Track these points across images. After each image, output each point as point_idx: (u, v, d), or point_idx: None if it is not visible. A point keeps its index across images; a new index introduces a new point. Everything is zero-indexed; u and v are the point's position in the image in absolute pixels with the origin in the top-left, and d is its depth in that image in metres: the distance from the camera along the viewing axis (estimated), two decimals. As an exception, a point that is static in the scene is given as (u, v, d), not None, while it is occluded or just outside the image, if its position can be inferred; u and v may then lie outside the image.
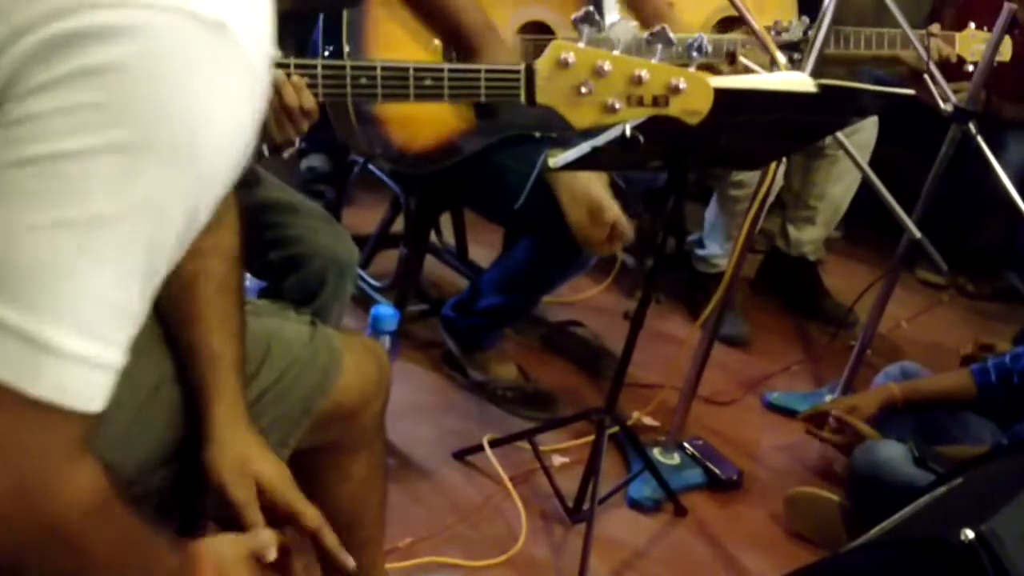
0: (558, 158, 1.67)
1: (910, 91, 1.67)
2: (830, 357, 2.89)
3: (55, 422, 0.67)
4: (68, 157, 0.65)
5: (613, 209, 1.90)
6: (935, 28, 2.69)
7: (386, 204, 2.58)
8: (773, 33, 2.31)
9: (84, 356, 0.67)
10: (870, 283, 2.54)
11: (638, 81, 1.41)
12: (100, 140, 0.65)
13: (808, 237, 3.08)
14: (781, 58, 1.78)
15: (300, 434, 1.22)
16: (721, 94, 1.42)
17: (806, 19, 2.55)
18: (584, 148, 1.60)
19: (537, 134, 2.10)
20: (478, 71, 1.47)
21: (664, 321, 2.89)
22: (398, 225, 2.49)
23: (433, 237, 2.68)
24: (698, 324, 2.25)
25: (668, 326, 2.87)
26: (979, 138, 2.31)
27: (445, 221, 2.74)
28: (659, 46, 1.42)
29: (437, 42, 2.03)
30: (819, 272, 3.19)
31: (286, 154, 1.50)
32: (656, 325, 2.81)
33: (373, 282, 2.55)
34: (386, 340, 1.97)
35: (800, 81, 1.52)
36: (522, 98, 1.45)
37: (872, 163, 2.98)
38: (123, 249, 0.68)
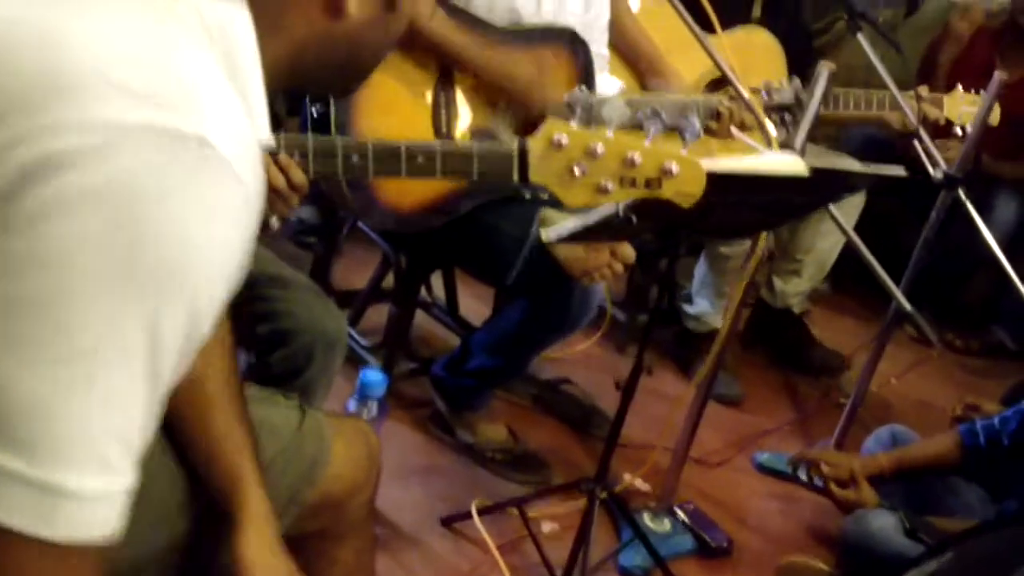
0: (550, 231, 1.66)
1: (901, 171, 1.67)
2: (820, 414, 2.89)
3: (76, 556, 0.67)
4: (51, 295, 0.63)
5: None
6: (923, 90, 2.71)
7: (377, 257, 2.57)
8: (764, 95, 2.31)
9: (97, 492, 0.66)
10: (859, 346, 2.55)
11: (631, 163, 1.40)
12: (80, 275, 0.63)
13: (793, 289, 3.09)
14: (770, 127, 1.78)
15: (287, 523, 1.20)
16: (713, 176, 1.43)
17: (797, 81, 2.57)
18: (577, 225, 1.60)
19: (528, 195, 2.10)
20: (470, 150, 1.47)
21: (654, 378, 2.86)
22: (389, 279, 2.48)
23: (423, 292, 2.67)
24: (693, 384, 2.25)
25: (659, 384, 2.85)
26: (968, 204, 2.33)
27: (435, 275, 2.73)
28: (652, 128, 1.42)
29: (429, 95, 2.03)
30: (807, 323, 3.19)
31: (276, 225, 1.49)
32: (647, 382, 2.78)
33: (362, 341, 2.54)
34: (374, 406, 1.96)
35: (792, 163, 1.52)
36: (515, 178, 1.45)
37: (863, 215, 3.01)
38: (120, 379, 0.66)
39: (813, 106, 1.90)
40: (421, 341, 2.74)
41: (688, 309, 2.96)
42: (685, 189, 1.42)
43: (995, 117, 2.74)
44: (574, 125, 1.41)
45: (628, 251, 1.85)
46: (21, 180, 0.62)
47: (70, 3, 0.67)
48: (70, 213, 0.62)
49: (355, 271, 2.82)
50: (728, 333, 2.08)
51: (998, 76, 2.28)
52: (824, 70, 1.86)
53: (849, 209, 2.91)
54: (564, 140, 1.41)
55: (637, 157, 1.41)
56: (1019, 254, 3.29)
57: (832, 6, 2.74)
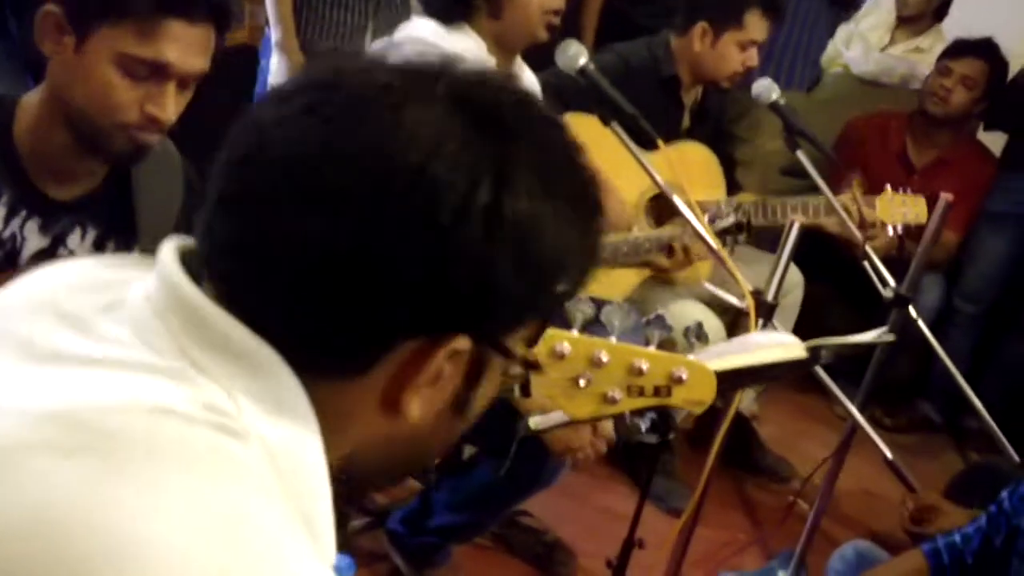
0: (538, 419, 1.59)
1: (891, 337, 1.66)
2: (775, 520, 2.86)
3: None
4: None
5: None
6: (857, 194, 2.74)
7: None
8: (707, 220, 2.29)
9: None
10: (818, 463, 2.54)
11: (638, 372, 1.34)
12: None
13: (744, 392, 3.07)
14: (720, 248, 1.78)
15: None
16: (722, 375, 1.37)
17: (733, 201, 2.57)
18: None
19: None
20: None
21: (606, 494, 2.81)
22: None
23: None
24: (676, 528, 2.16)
25: (611, 499, 2.80)
26: (920, 322, 2.34)
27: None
28: (656, 332, 1.36)
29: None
30: (755, 427, 3.18)
31: None
32: (599, 498, 2.74)
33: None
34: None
35: (792, 347, 1.48)
36: (516, 392, 1.36)
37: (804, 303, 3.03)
38: None
39: (784, 259, 1.88)
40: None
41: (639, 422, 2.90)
42: (695, 396, 1.36)
43: (922, 215, 2.81)
44: (575, 332, 1.34)
45: (609, 429, 1.79)
46: None
47: (126, 476, 0.59)
48: None
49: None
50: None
51: (943, 198, 2.31)
52: (795, 225, 1.84)
53: (790, 310, 2.92)
54: (566, 349, 1.34)
55: (644, 364, 1.34)
56: (943, 330, 3.41)
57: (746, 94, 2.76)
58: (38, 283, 0.75)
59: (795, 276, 2.95)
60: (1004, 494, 2.22)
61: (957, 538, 2.28)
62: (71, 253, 1.39)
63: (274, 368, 0.66)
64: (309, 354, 0.67)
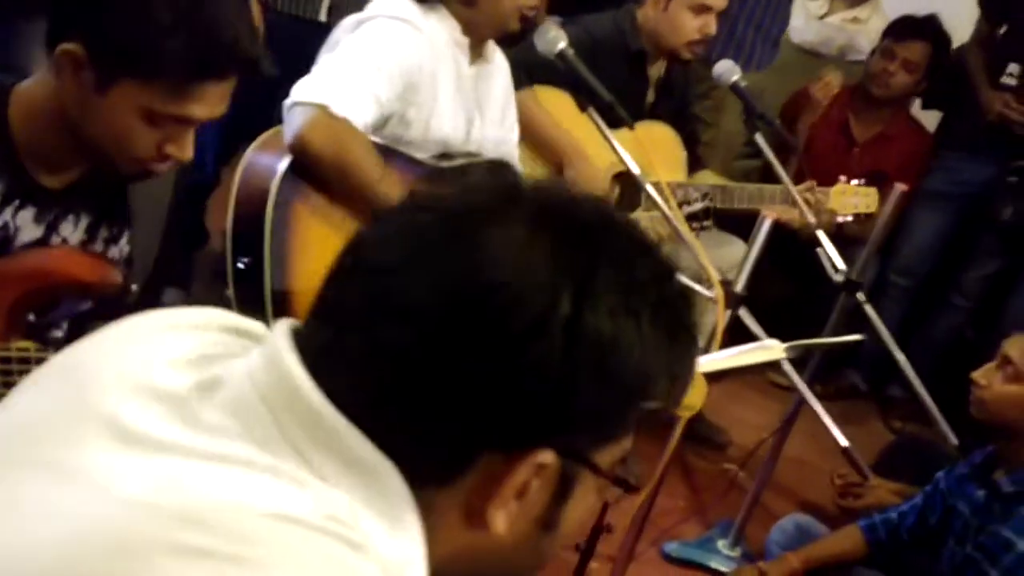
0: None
1: (858, 337, 1.72)
2: (713, 489, 2.96)
3: None
4: None
5: None
6: (812, 184, 2.80)
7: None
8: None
9: None
10: (756, 433, 2.62)
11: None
12: None
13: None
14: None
15: None
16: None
17: (702, 188, 2.61)
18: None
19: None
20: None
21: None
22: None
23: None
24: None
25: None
26: (868, 307, 2.42)
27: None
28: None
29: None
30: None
31: None
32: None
33: None
34: None
35: (773, 349, 1.53)
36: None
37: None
38: None
39: (755, 252, 1.92)
40: None
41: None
42: (687, 401, 1.40)
43: (873, 205, 2.88)
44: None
45: None
46: None
47: None
48: None
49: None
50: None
51: (898, 188, 2.38)
52: (767, 221, 1.89)
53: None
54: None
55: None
56: (877, 302, 3.51)
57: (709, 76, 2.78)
58: (128, 349, 0.74)
59: (739, 254, 3.01)
60: (940, 475, 2.34)
61: (894, 515, 2.40)
62: (64, 241, 1.36)
63: (390, 480, 0.67)
64: (398, 462, 0.67)
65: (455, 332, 0.65)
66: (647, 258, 0.72)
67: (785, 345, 1.55)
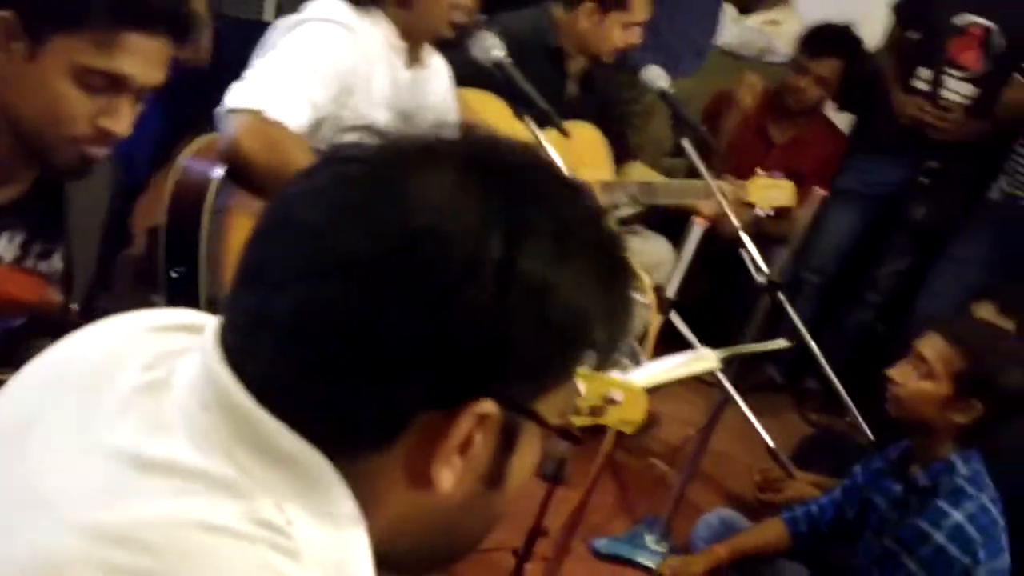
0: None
1: (784, 343, 1.78)
2: (633, 478, 3.01)
3: None
4: None
5: None
6: (729, 179, 2.87)
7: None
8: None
9: None
10: (682, 429, 2.69)
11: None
12: None
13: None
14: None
15: None
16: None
17: (628, 187, 2.65)
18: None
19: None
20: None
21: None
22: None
23: None
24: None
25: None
26: (788, 306, 2.49)
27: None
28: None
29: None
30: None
31: None
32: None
33: None
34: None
35: (709, 360, 1.58)
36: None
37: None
38: None
39: (685, 257, 1.97)
40: None
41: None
42: (628, 416, 1.44)
43: (791, 199, 2.97)
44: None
45: None
46: None
47: None
48: None
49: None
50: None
51: (817, 193, 2.45)
52: (697, 226, 1.93)
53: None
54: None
55: (580, 386, 1.40)
56: (789, 299, 3.61)
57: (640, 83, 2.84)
58: (97, 346, 0.76)
59: (664, 252, 3.07)
60: (857, 468, 2.43)
61: (814, 508, 2.49)
62: (-1, 259, 1.33)
63: (322, 474, 0.65)
64: (330, 431, 0.66)
65: (385, 282, 0.63)
66: (577, 200, 0.71)
67: (719, 354, 1.59)
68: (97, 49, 1.21)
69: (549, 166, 0.73)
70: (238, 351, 0.68)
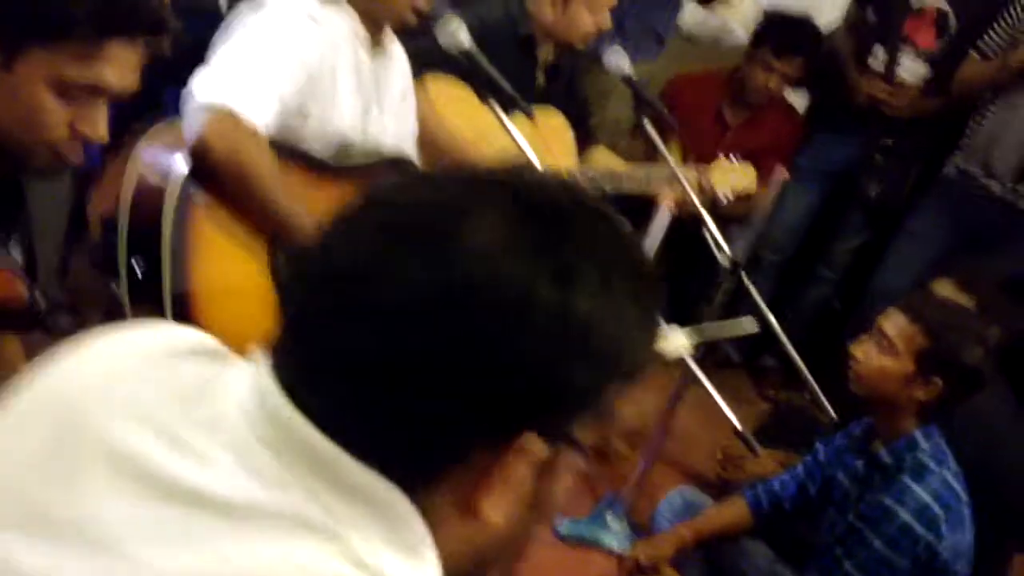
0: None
1: (754, 327, 1.79)
2: (600, 462, 3.02)
3: None
4: None
5: None
6: (693, 167, 2.88)
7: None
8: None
9: None
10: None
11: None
12: None
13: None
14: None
15: None
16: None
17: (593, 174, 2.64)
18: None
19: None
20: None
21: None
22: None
23: None
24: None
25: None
26: (752, 288, 2.51)
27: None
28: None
29: (264, 247, 1.90)
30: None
31: None
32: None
33: None
34: None
35: (683, 343, 1.59)
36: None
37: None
38: None
39: (653, 241, 1.98)
40: None
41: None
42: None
43: (751, 184, 2.98)
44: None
45: None
46: None
47: None
48: None
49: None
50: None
51: (779, 174, 2.47)
52: (665, 210, 1.94)
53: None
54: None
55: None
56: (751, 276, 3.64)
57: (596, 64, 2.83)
58: (117, 373, 0.73)
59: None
60: (819, 445, 2.45)
61: (776, 485, 2.51)
62: (-42, 254, 1.30)
63: (400, 507, 0.67)
64: (392, 468, 0.67)
65: (437, 330, 0.65)
66: (619, 235, 0.73)
67: (687, 336, 1.60)
68: (78, 61, 1.19)
69: (591, 202, 0.74)
70: (297, 390, 0.68)
